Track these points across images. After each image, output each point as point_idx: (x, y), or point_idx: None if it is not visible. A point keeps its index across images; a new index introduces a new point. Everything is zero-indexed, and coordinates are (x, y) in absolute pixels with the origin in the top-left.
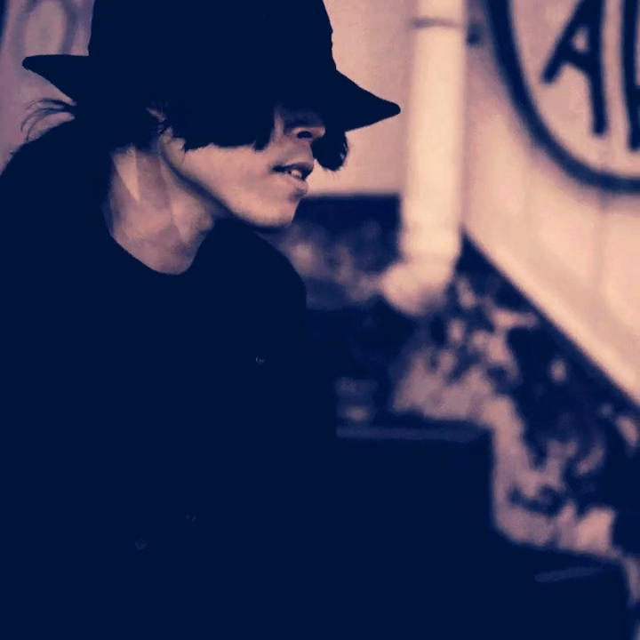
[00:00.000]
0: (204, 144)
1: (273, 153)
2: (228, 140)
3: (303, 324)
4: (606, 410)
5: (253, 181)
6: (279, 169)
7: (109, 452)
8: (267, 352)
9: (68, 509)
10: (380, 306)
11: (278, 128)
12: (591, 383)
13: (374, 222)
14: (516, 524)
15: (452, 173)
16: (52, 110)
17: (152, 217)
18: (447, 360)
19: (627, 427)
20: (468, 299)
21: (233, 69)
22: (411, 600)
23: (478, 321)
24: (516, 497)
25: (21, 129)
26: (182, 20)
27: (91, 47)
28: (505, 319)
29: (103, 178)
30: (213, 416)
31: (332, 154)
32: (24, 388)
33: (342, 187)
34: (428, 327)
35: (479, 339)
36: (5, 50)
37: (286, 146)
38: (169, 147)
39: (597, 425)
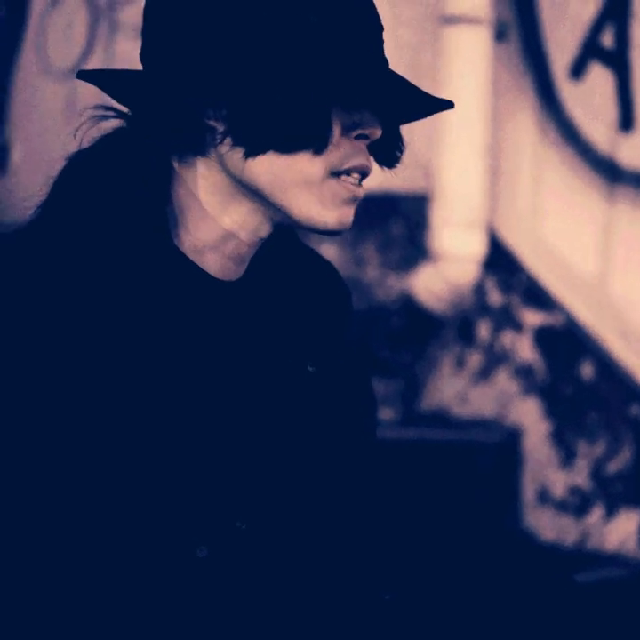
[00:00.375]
0: (264, 151)
1: (331, 157)
2: (289, 145)
3: (349, 330)
4: (635, 409)
5: (312, 186)
6: (337, 173)
7: (168, 459)
8: (317, 359)
9: (130, 517)
10: (408, 305)
11: (336, 131)
12: (620, 383)
13: (401, 221)
14: (545, 525)
15: (480, 171)
16: (104, 117)
17: (212, 224)
18: (474, 359)
19: None
20: (495, 297)
21: (289, 74)
22: (448, 599)
23: (506, 320)
24: (544, 497)
25: (74, 136)
26: (235, 28)
27: (143, 58)
28: (533, 318)
29: (163, 185)
30: (265, 423)
31: (389, 152)
32: (88, 395)
33: (369, 185)
34: (456, 326)
35: (507, 338)
36: (28, 45)
37: (344, 149)
38: (228, 155)
39: (626, 424)
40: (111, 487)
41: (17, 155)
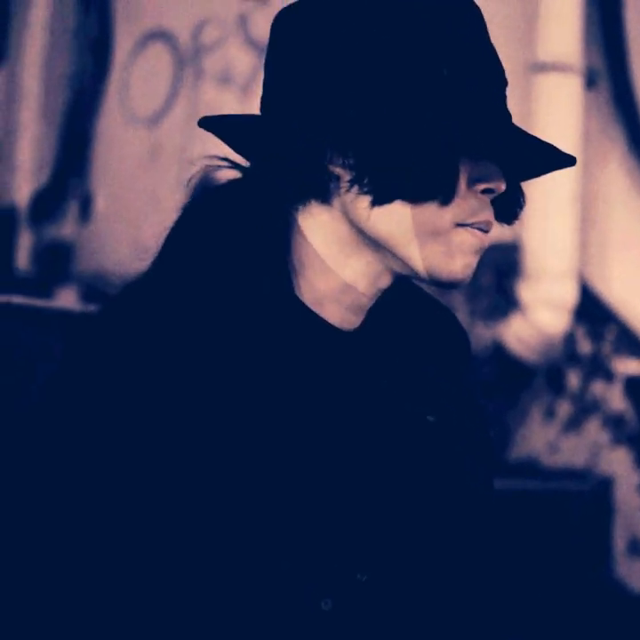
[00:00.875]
0: (391, 200)
1: (457, 209)
2: (416, 195)
3: (468, 378)
4: None
5: (438, 237)
6: (462, 225)
7: (291, 512)
8: (437, 409)
9: (255, 574)
10: (498, 354)
11: (462, 183)
12: None
13: (489, 269)
14: (636, 575)
15: (571, 220)
16: (219, 167)
17: (332, 275)
18: (565, 408)
19: None
20: (585, 346)
21: (420, 124)
22: None
23: (596, 369)
24: (635, 547)
25: (187, 185)
26: (368, 75)
27: (264, 105)
28: (624, 367)
29: (283, 235)
30: (386, 474)
31: (510, 208)
32: (214, 451)
33: None
34: (546, 375)
35: (597, 387)
36: (111, 94)
37: (470, 202)
38: (353, 204)
39: None
40: (234, 545)
41: (100, 203)
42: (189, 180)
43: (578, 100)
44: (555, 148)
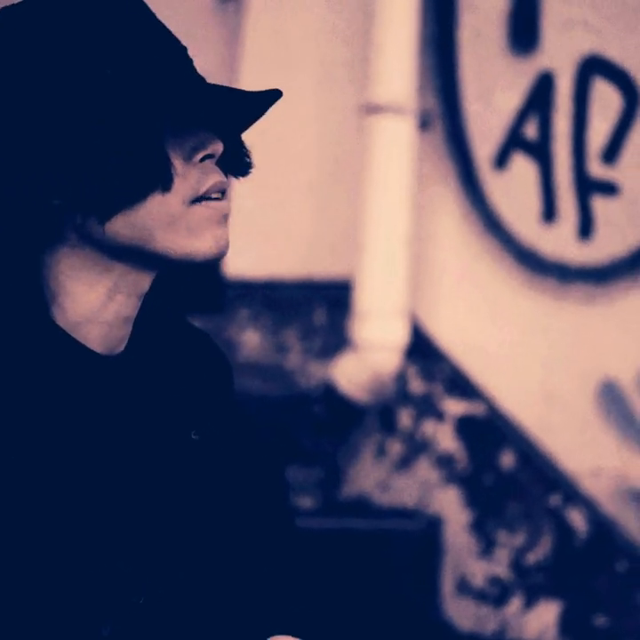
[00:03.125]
0: (114, 212)
1: (182, 188)
2: (134, 197)
3: (233, 398)
4: (554, 500)
5: (175, 222)
6: (196, 200)
7: (61, 543)
8: (201, 427)
9: (39, 602)
10: (329, 393)
11: (177, 163)
12: (539, 473)
13: (323, 308)
14: (464, 615)
15: (403, 260)
16: None
17: (85, 297)
18: (396, 447)
19: (575, 517)
20: (417, 386)
21: (107, 132)
22: None
23: (427, 409)
24: (463, 587)
25: None
26: (40, 110)
27: None
28: (454, 407)
29: (35, 266)
30: (152, 495)
31: (238, 162)
32: None
33: (292, 272)
34: (377, 414)
35: (428, 426)
36: None
37: (193, 175)
38: (85, 227)
39: (546, 515)
40: (20, 574)
41: None
42: None
43: (412, 142)
44: (256, 92)
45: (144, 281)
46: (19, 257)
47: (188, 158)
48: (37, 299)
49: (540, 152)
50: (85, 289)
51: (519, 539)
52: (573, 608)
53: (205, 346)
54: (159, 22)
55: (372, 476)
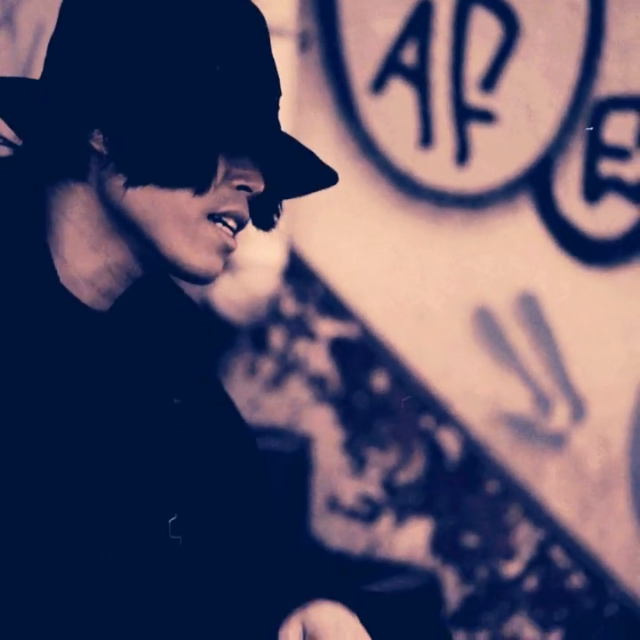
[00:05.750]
0: (144, 183)
1: (209, 200)
2: (170, 181)
3: (213, 364)
4: (426, 421)
5: (187, 225)
6: (213, 216)
7: (37, 491)
8: (183, 392)
9: (27, 527)
10: (205, 311)
11: (219, 175)
12: (411, 394)
13: None
14: (334, 532)
15: None
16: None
17: (87, 257)
18: (267, 367)
19: (447, 438)
20: (290, 306)
21: (182, 113)
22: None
23: (300, 329)
24: (334, 505)
25: None
26: (136, 57)
27: (43, 70)
28: (327, 328)
29: (43, 213)
30: (133, 454)
31: (267, 215)
32: None
33: None
34: (249, 334)
35: (300, 347)
36: None
37: (223, 193)
38: (110, 181)
39: (417, 435)
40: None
41: None
42: None
43: (291, 65)
44: (318, 159)
45: (138, 266)
46: (35, 187)
47: (228, 178)
48: (41, 244)
49: (418, 78)
50: (89, 249)
51: (390, 459)
52: (443, 527)
53: (188, 311)
54: (271, 55)
55: (243, 395)
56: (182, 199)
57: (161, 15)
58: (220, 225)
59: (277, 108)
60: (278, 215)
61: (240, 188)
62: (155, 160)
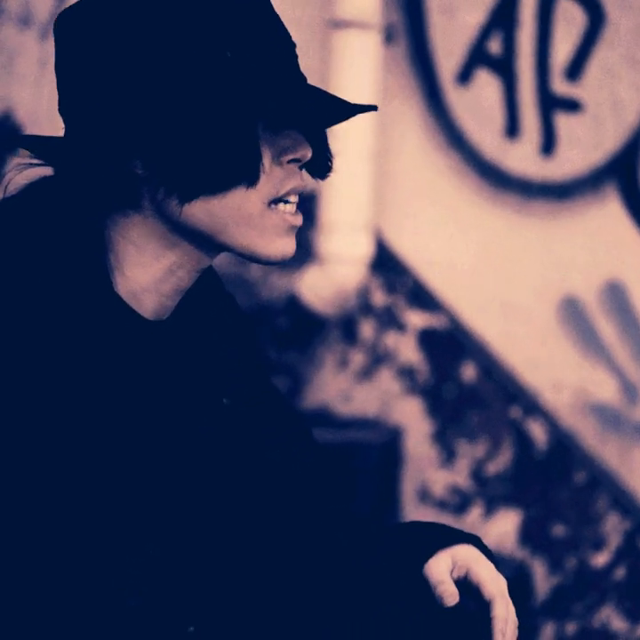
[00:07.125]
0: (197, 196)
1: (265, 187)
2: (220, 185)
3: (260, 362)
4: (514, 411)
5: (252, 220)
6: (275, 200)
7: (99, 493)
8: (232, 392)
9: (60, 559)
10: (293, 305)
11: (266, 161)
12: (500, 384)
13: None
14: (425, 518)
15: (367, 174)
16: (31, 165)
17: (150, 268)
18: (358, 358)
19: (535, 429)
20: (379, 298)
21: (210, 114)
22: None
23: (389, 320)
24: (424, 496)
25: (4, 191)
26: (151, 76)
27: (61, 112)
28: (416, 319)
29: (101, 233)
30: (189, 454)
31: (322, 165)
32: (20, 443)
33: None
34: (339, 326)
35: (390, 338)
36: None
37: (277, 175)
38: (163, 203)
39: (506, 426)
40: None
41: None
42: (6, 185)
43: (376, 57)
44: (350, 103)
45: (206, 259)
46: (89, 213)
47: (276, 158)
48: (100, 263)
49: (504, 68)
50: (150, 261)
51: (479, 449)
52: (532, 518)
53: (233, 311)
54: (273, 11)
55: (333, 387)
56: (238, 198)
57: (160, 23)
58: (281, 205)
59: (296, 57)
60: (332, 161)
61: (290, 162)
62: (197, 169)
